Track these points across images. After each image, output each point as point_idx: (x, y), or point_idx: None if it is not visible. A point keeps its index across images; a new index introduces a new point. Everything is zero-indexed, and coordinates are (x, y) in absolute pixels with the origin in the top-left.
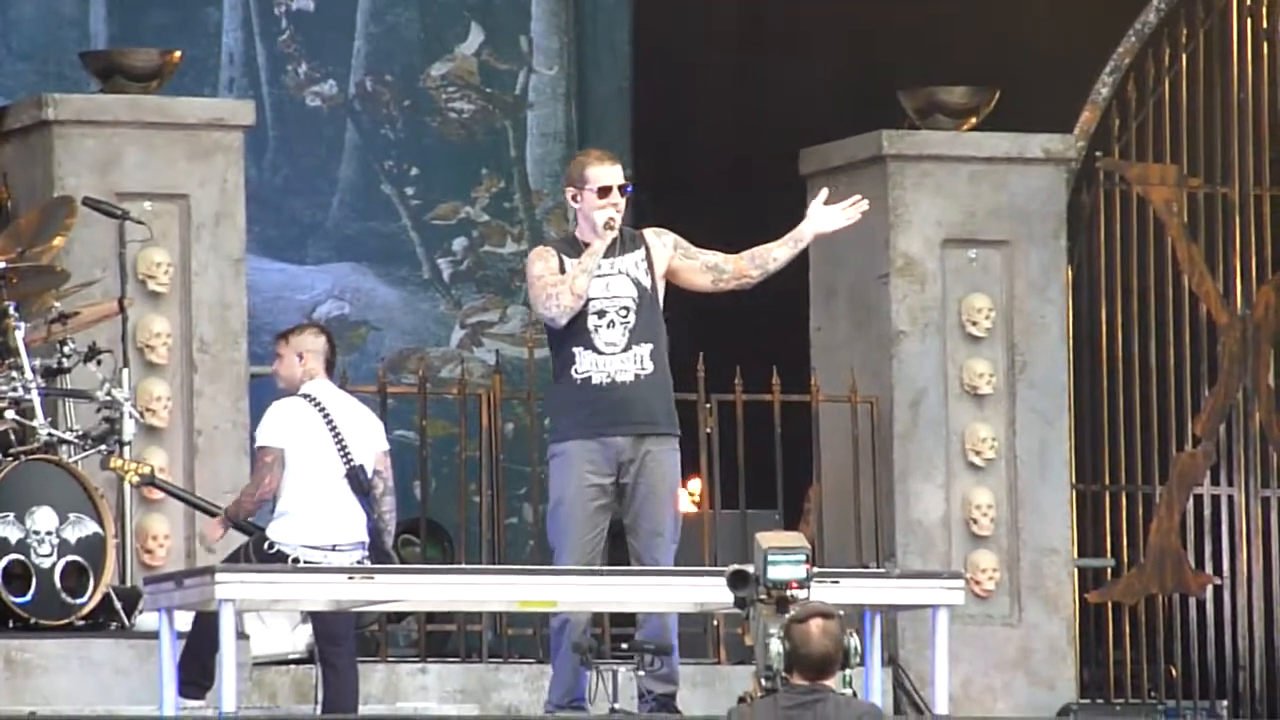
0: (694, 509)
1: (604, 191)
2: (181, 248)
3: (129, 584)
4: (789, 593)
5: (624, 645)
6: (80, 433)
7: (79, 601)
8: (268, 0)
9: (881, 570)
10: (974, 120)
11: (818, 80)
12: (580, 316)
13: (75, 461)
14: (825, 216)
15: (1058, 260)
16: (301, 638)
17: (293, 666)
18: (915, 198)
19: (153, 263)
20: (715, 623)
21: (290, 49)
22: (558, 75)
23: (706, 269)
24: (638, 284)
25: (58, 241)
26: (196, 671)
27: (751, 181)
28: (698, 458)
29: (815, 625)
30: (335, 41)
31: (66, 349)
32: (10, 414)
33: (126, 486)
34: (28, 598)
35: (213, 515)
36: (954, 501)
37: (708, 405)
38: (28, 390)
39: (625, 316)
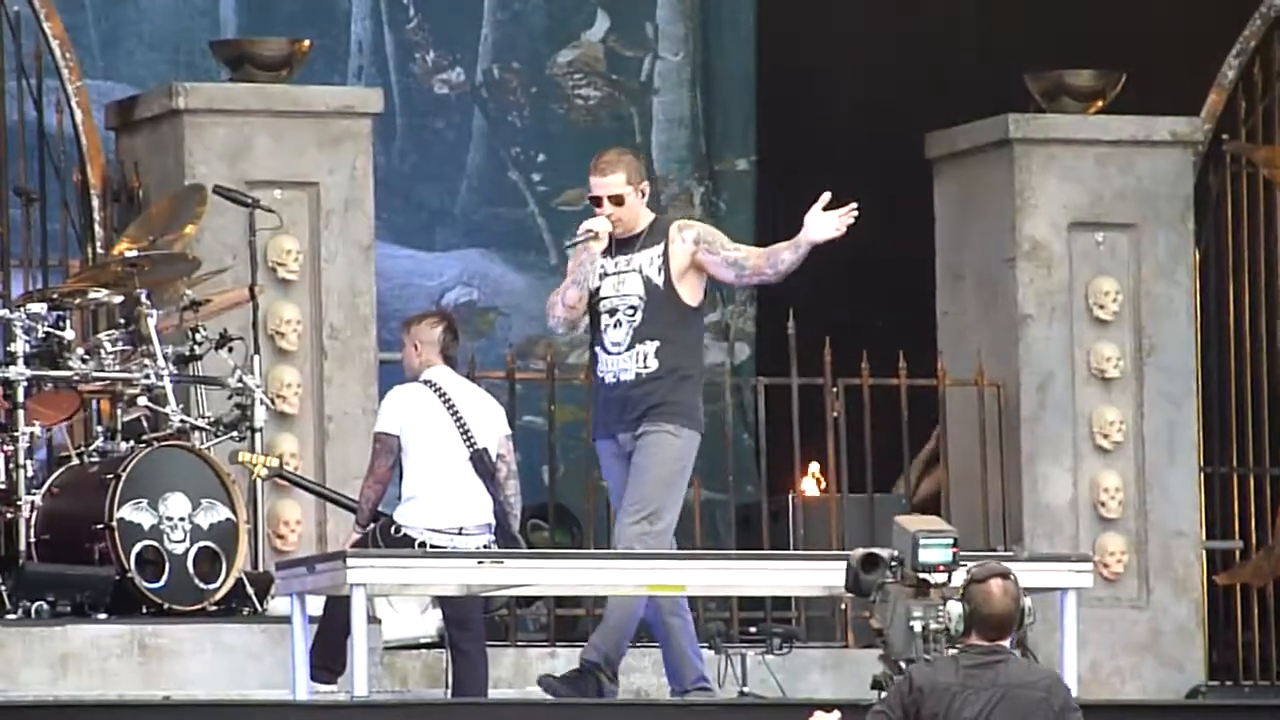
0: (820, 493)
1: (595, 201)
2: (311, 235)
3: (261, 569)
4: (931, 576)
5: (752, 629)
6: (212, 419)
7: (211, 587)
8: None
9: (1009, 554)
10: (1101, 103)
11: (944, 63)
12: (596, 315)
13: (207, 448)
14: (821, 223)
15: (1185, 243)
16: (432, 622)
17: (423, 651)
18: (1042, 181)
19: (283, 250)
20: (843, 606)
21: (418, 37)
22: (683, 61)
23: (728, 265)
24: (648, 282)
25: (189, 229)
26: (328, 656)
27: (877, 165)
28: (824, 442)
29: (996, 585)
30: (463, 29)
31: (198, 336)
32: (143, 401)
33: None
34: (161, 583)
35: (340, 505)
36: (1082, 485)
37: (834, 390)
38: (160, 377)
39: (632, 315)
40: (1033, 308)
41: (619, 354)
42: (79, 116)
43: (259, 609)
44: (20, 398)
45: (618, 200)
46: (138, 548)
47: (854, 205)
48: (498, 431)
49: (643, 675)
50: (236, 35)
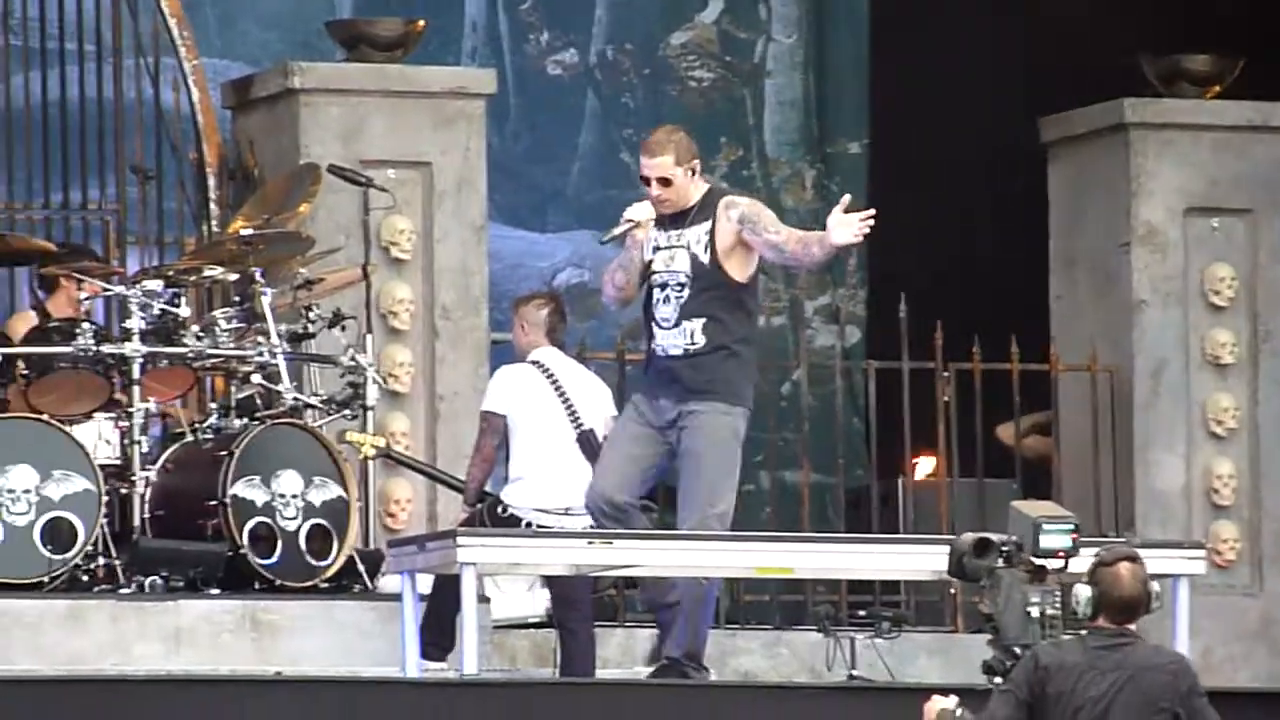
0: (930, 477)
1: (644, 181)
2: (424, 215)
3: (372, 547)
4: (1050, 562)
5: (861, 613)
6: (325, 397)
7: (323, 564)
8: None
9: (1121, 539)
10: (1218, 88)
11: (1060, 46)
12: (649, 288)
13: (320, 426)
14: (842, 227)
15: None
16: (541, 601)
17: (532, 630)
18: (1157, 166)
19: (396, 230)
20: (953, 591)
21: (532, 18)
22: (796, 43)
23: (769, 246)
24: (695, 260)
25: (303, 208)
26: (438, 633)
27: (991, 149)
28: (935, 427)
29: (1124, 568)
30: (576, 11)
31: (311, 314)
32: (257, 378)
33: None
34: (273, 560)
35: (449, 486)
36: (1195, 471)
37: (945, 374)
38: (273, 355)
39: (680, 292)
40: (1147, 293)
41: (668, 329)
42: (196, 95)
43: (370, 586)
44: (136, 374)
45: (665, 181)
46: (250, 524)
47: (872, 211)
48: (604, 412)
49: (750, 658)
50: (352, 15)
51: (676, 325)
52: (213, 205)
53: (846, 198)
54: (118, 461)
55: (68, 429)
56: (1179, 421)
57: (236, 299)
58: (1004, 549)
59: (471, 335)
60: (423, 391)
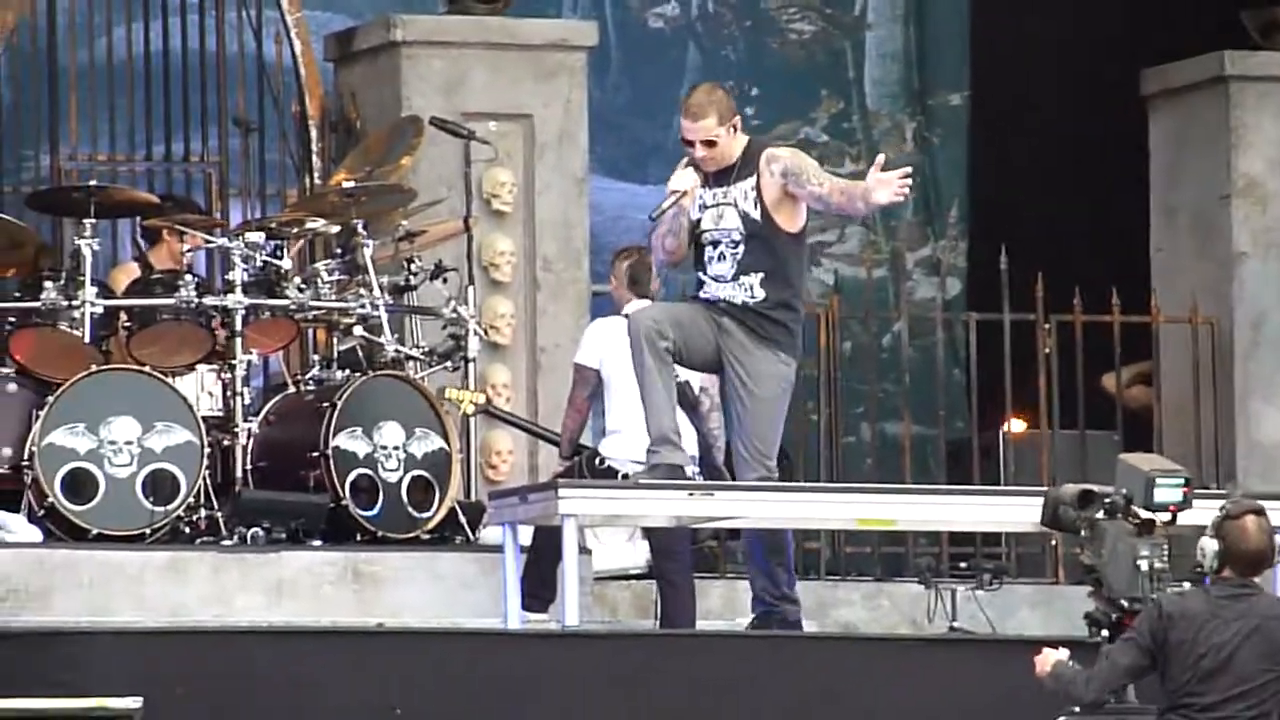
0: (1028, 429)
1: (687, 144)
2: (525, 167)
3: (473, 499)
4: (1160, 515)
5: (962, 565)
6: (426, 349)
7: (425, 515)
8: None
9: (1223, 491)
10: None
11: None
12: (699, 246)
13: (422, 378)
14: (881, 186)
15: None
16: (642, 553)
17: (633, 581)
18: (1257, 119)
19: (497, 182)
20: (1054, 543)
21: None
22: None
23: (814, 198)
24: (746, 217)
25: (405, 161)
26: (539, 585)
27: (1092, 102)
28: (1036, 379)
29: (1250, 521)
30: None
31: (413, 267)
32: (358, 330)
33: None
34: (375, 511)
35: (547, 441)
36: None
37: (1046, 326)
38: (375, 307)
39: (735, 249)
40: (1247, 245)
41: (725, 283)
42: (298, 48)
43: (471, 538)
44: (238, 326)
45: (710, 144)
46: (352, 476)
47: (909, 169)
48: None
49: (851, 609)
50: None
51: (734, 280)
52: (315, 158)
53: (881, 157)
54: (220, 413)
55: (170, 380)
56: (1279, 373)
57: (338, 251)
58: (1107, 501)
59: (573, 287)
60: (524, 343)
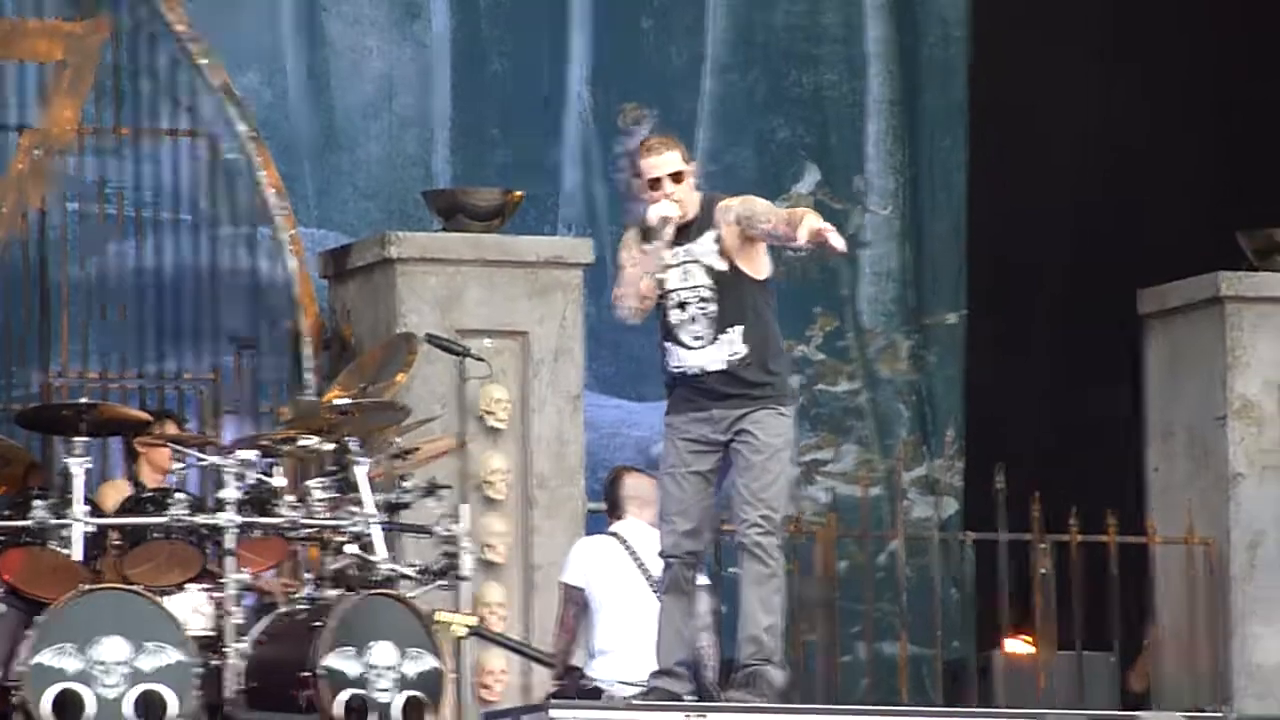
0: (1029, 649)
1: (653, 184)
2: (521, 384)
3: (466, 719)
4: None
5: None
6: (420, 568)
7: None
8: (607, 139)
9: (1219, 714)
10: None
11: (1156, 220)
12: (664, 309)
13: (414, 597)
14: (816, 220)
15: None
16: None
17: None
18: (1253, 339)
19: (492, 399)
20: None
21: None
22: (892, 215)
23: (767, 236)
24: (712, 271)
25: (400, 378)
26: None
27: (1087, 321)
28: (1032, 599)
29: None
30: None
31: (406, 484)
32: (351, 548)
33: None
34: None
35: (540, 663)
36: None
37: (1043, 546)
38: (369, 525)
39: (706, 308)
40: (1244, 466)
41: (704, 347)
42: (293, 265)
43: None
44: (230, 544)
45: (678, 177)
46: (344, 696)
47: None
48: None
49: None
50: (449, 185)
51: (714, 341)
52: (309, 375)
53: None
54: (211, 633)
55: (160, 600)
56: (1276, 594)
57: (332, 469)
58: None
59: (568, 505)
60: (518, 561)
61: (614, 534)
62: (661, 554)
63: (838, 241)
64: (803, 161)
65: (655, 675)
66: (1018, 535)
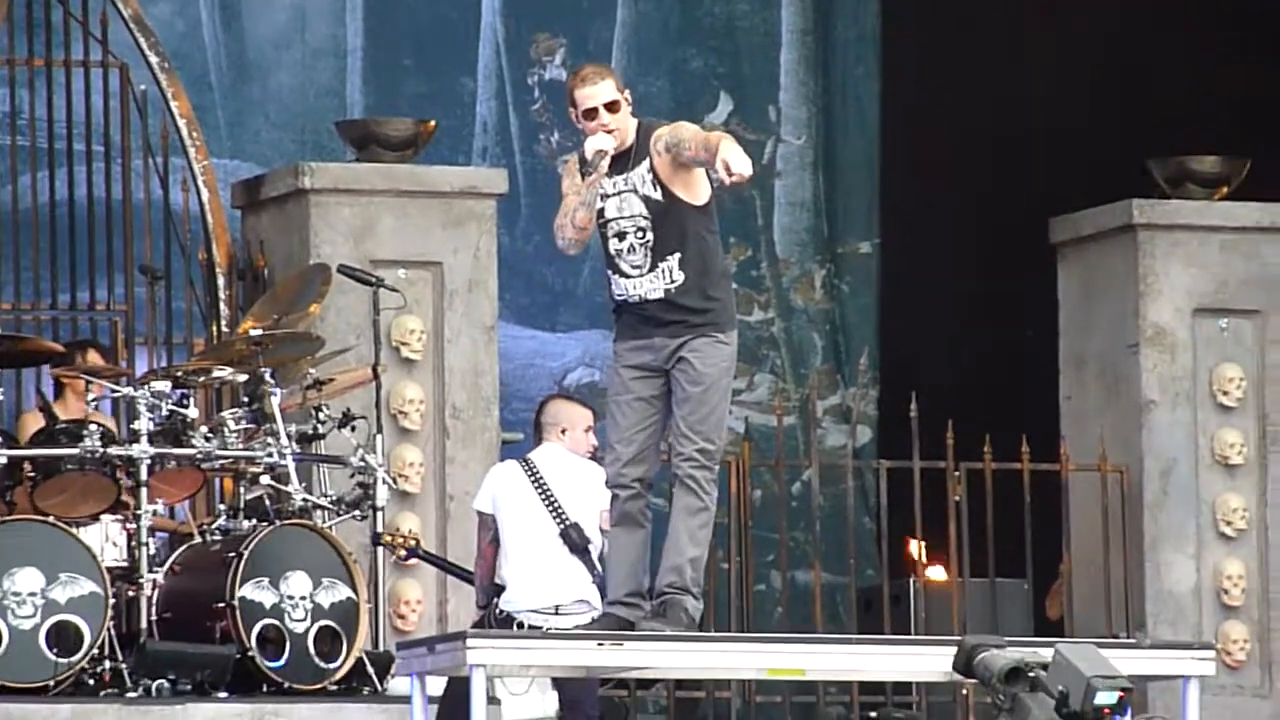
0: (943, 576)
1: (589, 114)
2: (435, 315)
3: (381, 649)
4: (1102, 716)
5: (872, 714)
6: (334, 498)
7: (332, 666)
8: (521, 70)
9: (1132, 640)
10: (1225, 189)
11: (1068, 148)
12: (604, 239)
13: (329, 526)
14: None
15: None
16: (552, 702)
17: None
18: (1166, 267)
19: (406, 330)
20: (965, 692)
21: (543, 118)
22: (805, 144)
23: (692, 161)
24: (648, 200)
25: (313, 308)
26: None
27: (1000, 250)
28: (946, 526)
29: None
30: None
31: (321, 415)
32: (266, 479)
33: (379, 551)
34: (281, 662)
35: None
36: (1205, 572)
37: (956, 474)
38: (283, 456)
39: (643, 237)
40: (1156, 394)
41: (641, 276)
42: (205, 195)
43: (379, 689)
44: (144, 475)
45: (613, 107)
46: (258, 626)
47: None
48: (596, 505)
49: None
50: (363, 115)
51: (652, 269)
52: (222, 306)
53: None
54: (125, 564)
55: (74, 531)
56: (1188, 522)
57: (246, 400)
58: (1031, 675)
59: (482, 435)
60: (433, 492)
61: (525, 459)
62: (607, 484)
63: (740, 166)
64: (716, 91)
65: (608, 604)
66: (932, 463)
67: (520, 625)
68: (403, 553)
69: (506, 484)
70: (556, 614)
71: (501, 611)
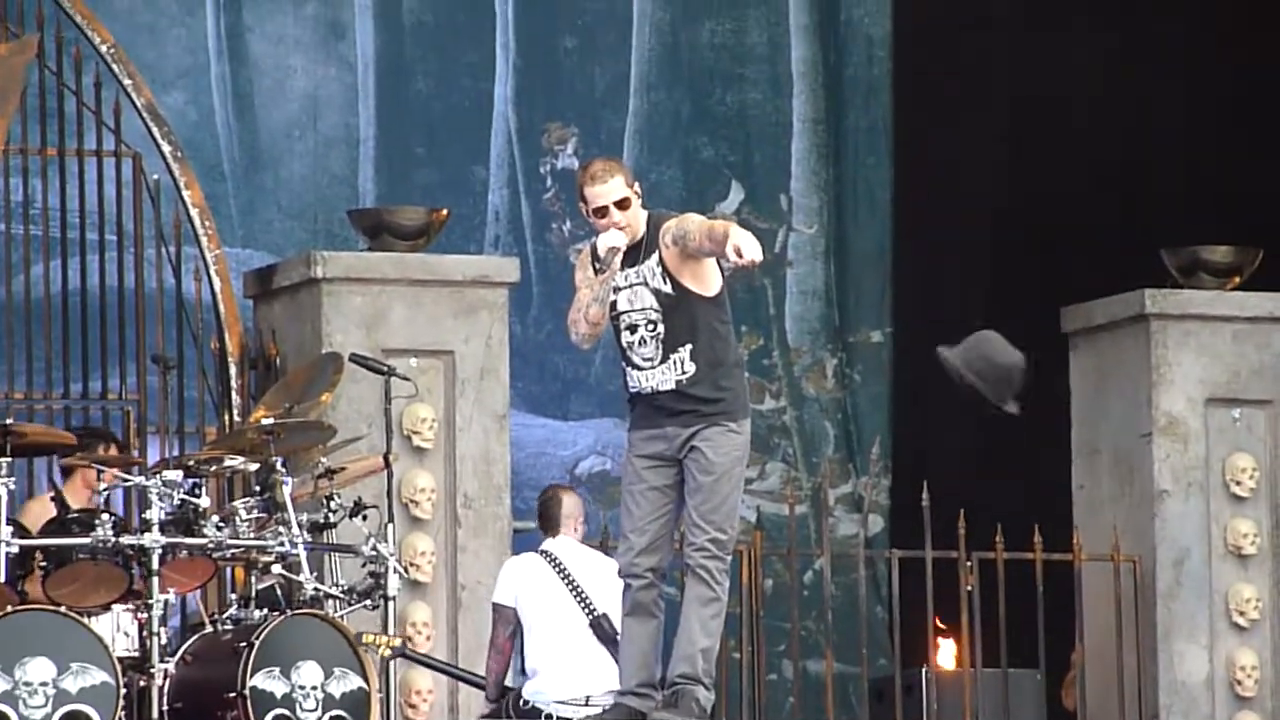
0: (954, 666)
1: (600, 212)
2: (446, 403)
3: None
4: None
5: None
6: (346, 587)
7: None
8: (533, 159)
9: None
10: (1238, 279)
11: (1080, 238)
12: (616, 331)
13: (341, 616)
14: (749, 243)
15: None
16: None
17: None
18: (1178, 356)
19: (418, 418)
20: None
21: (554, 206)
22: (817, 234)
23: (698, 252)
24: (658, 293)
25: (325, 397)
26: None
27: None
28: (958, 615)
29: None
30: None
31: (333, 504)
32: (277, 568)
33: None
34: None
35: (465, 682)
36: (1218, 662)
37: (969, 563)
38: (294, 545)
39: (654, 330)
40: (1169, 483)
41: (653, 368)
42: (217, 284)
43: None
44: (155, 565)
45: (624, 204)
46: (270, 716)
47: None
48: (618, 596)
49: None
50: (375, 204)
51: (663, 362)
52: (234, 395)
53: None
54: (136, 653)
55: (86, 621)
56: (1201, 612)
57: (257, 489)
58: None
59: (494, 524)
60: (445, 581)
61: (544, 551)
62: (619, 574)
63: (751, 252)
64: (728, 180)
65: (619, 695)
66: (944, 553)
67: (549, 718)
68: (387, 652)
69: (531, 576)
70: (586, 705)
71: (526, 703)
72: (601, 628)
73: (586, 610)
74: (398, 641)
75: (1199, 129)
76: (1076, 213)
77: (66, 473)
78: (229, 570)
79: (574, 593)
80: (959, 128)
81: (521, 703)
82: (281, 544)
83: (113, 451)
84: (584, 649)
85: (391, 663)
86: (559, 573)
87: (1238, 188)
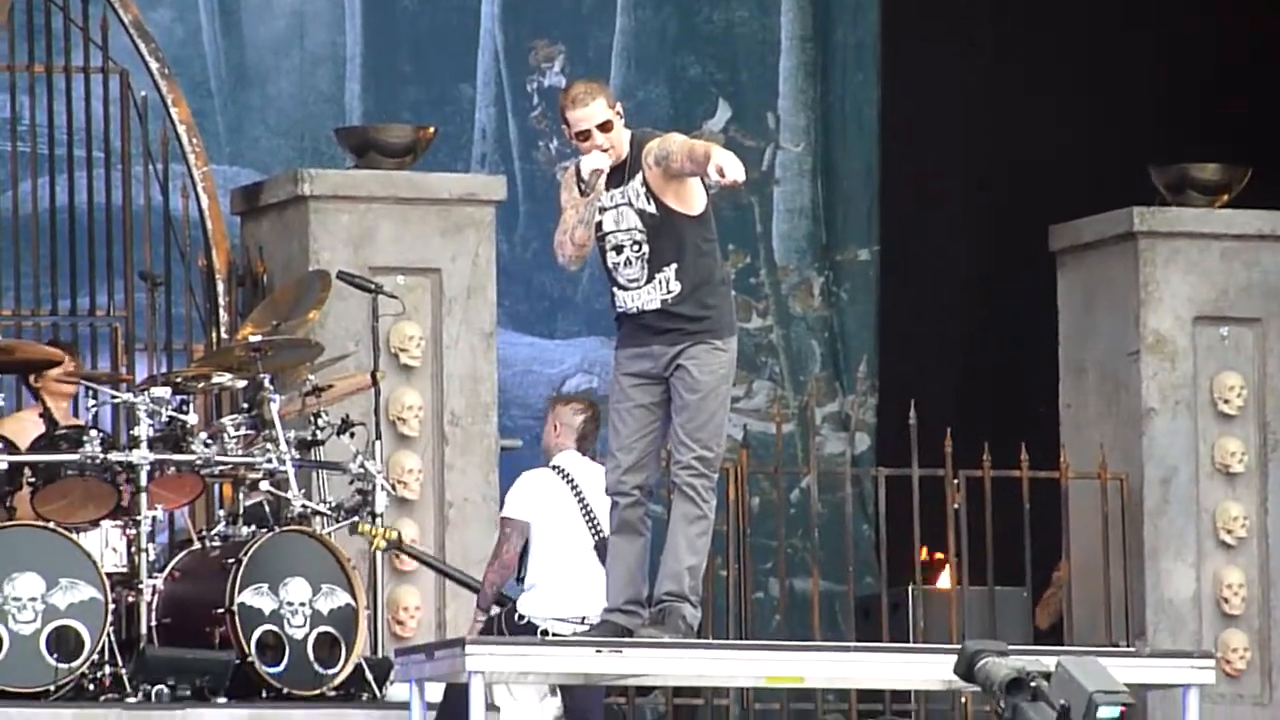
0: (946, 585)
1: (582, 135)
2: (433, 321)
3: (380, 655)
4: None
5: None
6: (333, 504)
7: (331, 672)
8: (520, 77)
9: (1131, 649)
10: (1226, 197)
11: (1069, 156)
12: (602, 252)
13: (328, 533)
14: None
15: None
16: (550, 710)
17: None
18: (1166, 275)
19: (405, 336)
20: (963, 699)
21: (542, 125)
22: (804, 151)
23: (680, 172)
24: (643, 214)
25: (312, 315)
26: None
27: (1000, 257)
28: (945, 534)
29: None
30: None
31: (320, 421)
32: (265, 485)
33: (379, 558)
34: (280, 668)
35: (461, 584)
36: (1205, 580)
37: (955, 481)
38: (282, 462)
39: (639, 250)
40: (1156, 401)
41: (639, 288)
42: (205, 202)
43: (378, 695)
44: (143, 481)
45: (606, 127)
46: (258, 632)
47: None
48: None
49: None
50: (362, 122)
51: (649, 281)
52: (221, 312)
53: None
54: (124, 569)
55: (74, 537)
56: (1189, 530)
57: (245, 406)
58: (1032, 684)
59: (481, 442)
60: (432, 498)
61: (558, 469)
62: (606, 492)
63: (734, 172)
64: (714, 98)
65: (606, 612)
66: (930, 470)
67: (545, 633)
68: (382, 544)
69: (550, 493)
70: (582, 624)
71: (521, 617)
72: (603, 550)
73: (594, 531)
74: (394, 534)
75: (1197, 44)
76: (1066, 127)
77: (35, 394)
78: (217, 487)
79: (584, 512)
80: (947, 43)
81: (516, 617)
82: (269, 461)
83: (70, 365)
84: (586, 569)
85: (382, 571)
86: (572, 489)
87: (1230, 101)
